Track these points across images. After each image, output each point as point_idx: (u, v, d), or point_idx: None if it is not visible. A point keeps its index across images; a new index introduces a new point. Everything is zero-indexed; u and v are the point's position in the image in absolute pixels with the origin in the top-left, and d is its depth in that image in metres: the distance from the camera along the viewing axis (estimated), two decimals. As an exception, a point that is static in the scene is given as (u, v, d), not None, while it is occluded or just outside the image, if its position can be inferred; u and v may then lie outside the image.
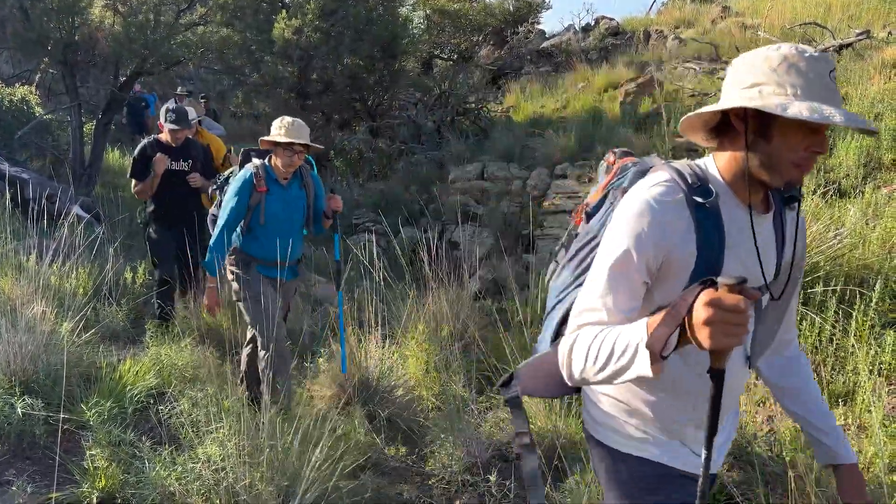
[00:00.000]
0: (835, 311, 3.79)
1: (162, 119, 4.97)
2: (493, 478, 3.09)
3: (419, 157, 9.71)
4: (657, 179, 1.44)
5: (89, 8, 9.78)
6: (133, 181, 5.04)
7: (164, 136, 5.00)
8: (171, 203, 4.98)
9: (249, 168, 3.68)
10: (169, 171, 4.93)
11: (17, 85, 11.59)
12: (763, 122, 1.35)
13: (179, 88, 11.73)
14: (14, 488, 2.86)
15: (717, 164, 1.48)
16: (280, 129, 3.59)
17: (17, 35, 9.52)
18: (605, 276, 1.38)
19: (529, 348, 4.26)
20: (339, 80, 10.61)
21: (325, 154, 10.43)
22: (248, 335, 3.92)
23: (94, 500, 2.85)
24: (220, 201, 3.90)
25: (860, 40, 8.81)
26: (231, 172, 3.99)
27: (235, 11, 10.70)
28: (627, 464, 1.57)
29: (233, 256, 3.72)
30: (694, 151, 6.65)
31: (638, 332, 1.20)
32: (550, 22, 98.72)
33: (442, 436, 3.65)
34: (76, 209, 6.61)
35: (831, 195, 5.35)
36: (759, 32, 10.00)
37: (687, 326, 1.11)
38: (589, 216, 1.72)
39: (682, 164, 1.48)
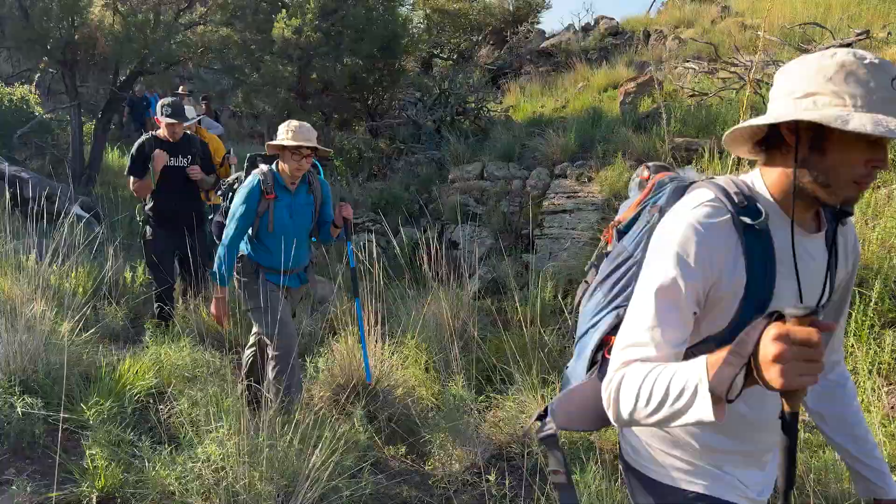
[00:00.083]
0: (834, 311, 3.79)
1: (158, 113, 4.91)
2: (492, 477, 3.10)
3: (419, 157, 9.71)
4: (700, 199, 1.32)
5: (89, 7, 9.78)
6: (131, 179, 4.96)
7: (162, 132, 4.93)
8: (171, 200, 4.91)
9: (256, 174, 3.59)
10: (168, 167, 4.86)
11: (16, 84, 11.59)
12: (818, 136, 1.24)
13: (181, 87, 11.73)
14: (13, 487, 2.85)
15: (764, 180, 1.36)
16: (287, 133, 3.52)
17: (17, 34, 9.52)
18: (652, 306, 1.27)
19: (529, 348, 4.26)
20: (338, 80, 10.60)
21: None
22: (252, 339, 3.88)
23: (94, 500, 2.85)
24: (226, 209, 3.81)
25: (860, 40, 8.80)
26: (237, 179, 3.90)
27: (235, 11, 10.70)
28: (675, 496, 1.46)
29: (240, 265, 3.66)
30: (694, 151, 6.66)
31: (696, 372, 1.08)
32: (550, 22, 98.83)
33: (442, 436, 3.65)
34: (76, 209, 6.60)
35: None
36: (758, 32, 9.99)
37: (754, 365, 1.01)
38: (620, 234, 1.62)
39: (726, 180, 1.37)
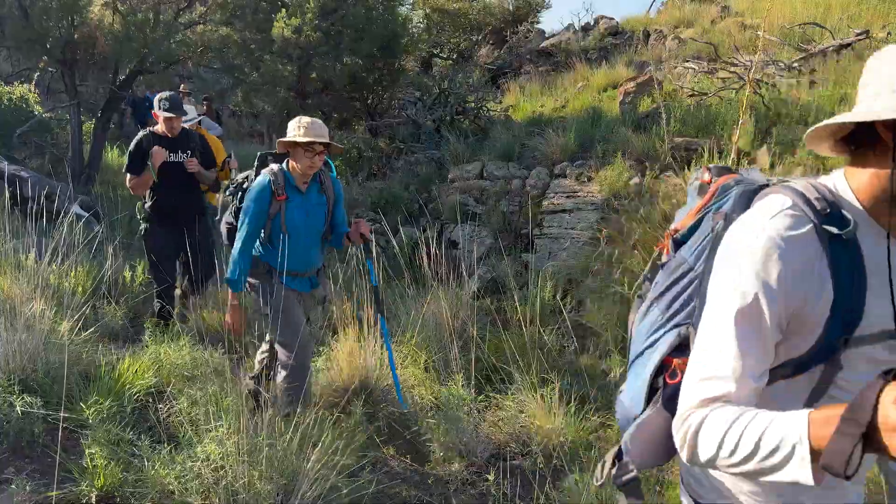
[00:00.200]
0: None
1: (156, 108, 4.80)
2: (491, 477, 3.10)
3: (418, 157, 9.71)
4: (778, 206, 1.18)
5: (88, 6, 9.78)
6: (128, 176, 4.83)
7: (160, 128, 4.82)
8: (171, 196, 4.81)
9: (267, 174, 3.45)
10: (168, 163, 4.75)
11: (16, 83, 11.58)
12: None
13: (181, 87, 11.73)
14: (13, 486, 2.85)
15: (850, 183, 1.20)
16: (298, 129, 3.37)
17: (17, 33, 9.51)
18: (730, 334, 1.13)
19: (529, 347, 4.27)
20: (338, 80, 10.60)
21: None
22: (264, 346, 3.77)
23: (93, 499, 2.85)
24: (237, 209, 3.68)
25: (860, 40, 8.81)
26: (247, 177, 3.75)
27: (235, 10, 10.69)
28: None
29: (253, 267, 3.52)
30: (693, 151, 6.66)
31: (795, 429, 0.96)
32: (550, 21, 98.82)
33: (441, 435, 3.66)
34: (75, 208, 6.60)
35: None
36: (758, 32, 10.00)
37: (871, 432, 0.88)
38: (678, 244, 1.47)
39: (805, 184, 1.21)
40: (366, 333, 4.12)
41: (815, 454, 0.93)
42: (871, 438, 0.88)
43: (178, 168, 4.83)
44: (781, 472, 0.98)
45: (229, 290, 3.51)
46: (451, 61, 15.43)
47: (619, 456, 1.47)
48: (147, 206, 4.92)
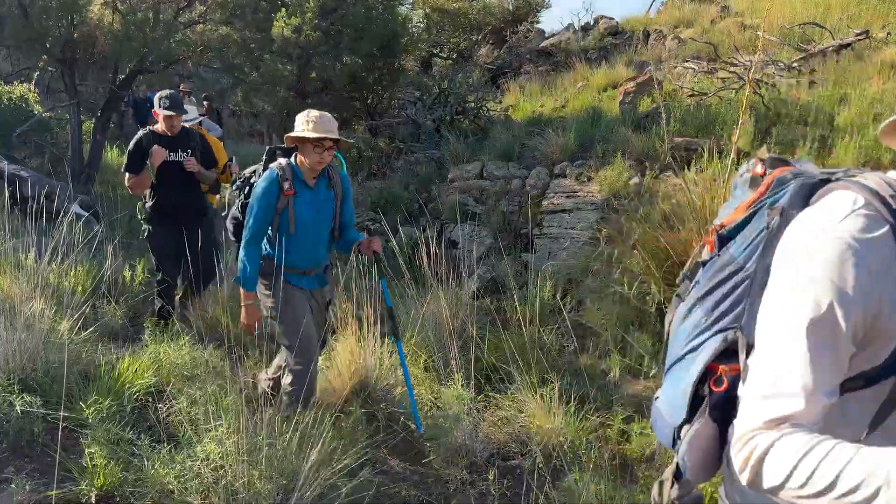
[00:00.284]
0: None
1: (156, 106, 4.74)
2: (491, 477, 3.10)
3: (418, 156, 9.71)
4: (849, 205, 1.08)
5: (88, 6, 9.78)
6: (127, 175, 4.77)
7: (160, 127, 4.77)
8: (172, 196, 4.78)
9: (274, 169, 3.36)
10: (167, 162, 4.70)
11: (15, 83, 11.58)
12: None
13: (181, 86, 11.73)
14: (13, 486, 2.85)
15: None
16: (307, 124, 3.28)
17: (17, 33, 9.51)
18: (800, 345, 1.03)
19: (528, 347, 4.27)
20: (338, 79, 10.61)
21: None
22: (279, 361, 3.67)
23: (93, 498, 2.85)
24: (243, 204, 3.59)
25: (859, 40, 8.81)
26: (254, 172, 3.67)
27: (235, 9, 10.69)
28: None
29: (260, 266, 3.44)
30: (693, 151, 6.66)
31: (882, 468, 0.88)
32: (550, 21, 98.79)
33: (441, 435, 3.66)
34: (75, 207, 6.60)
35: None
36: (758, 32, 10.00)
37: None
38: (723, 241, 1.35)
39: (877, 180, 1.11)
40: (365, 333, 4.12)
41: None
42: None
43: (178, 167, 4.77)
44: None
45: (242, 290, 3.43)
46: (450, 61, 15.43)
47: (677, 474, 1.39)
48: (147, 205, 4.89)
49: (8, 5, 9.44)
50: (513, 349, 3.99)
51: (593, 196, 6.94)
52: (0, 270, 4.74)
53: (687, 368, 1.32)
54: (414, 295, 4.82)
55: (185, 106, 5.12)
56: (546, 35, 15.50)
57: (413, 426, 3.82)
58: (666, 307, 4.33)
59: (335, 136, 3.30)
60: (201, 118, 6.30)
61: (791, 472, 0.98)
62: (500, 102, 11.69)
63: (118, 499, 2.89)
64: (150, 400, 3.70)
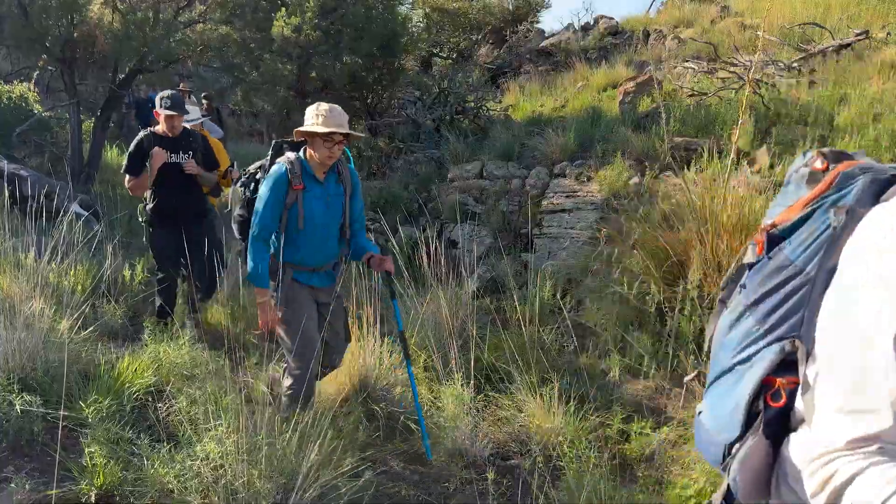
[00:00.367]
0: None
1: (157, 106, 4.71)
2: (490, 476, 3.10)
3: (418, 156, 9.71)
4: None
5: (88, 5, 9.78)
6: (127, 177, 4.74)
7: (161, 128, 4.74)
8: (172, 197, 4.75)
9: (283, 163, 3.28)
10: (168, 164, 4.66)
11: (15, 82, 11.58)
12: None
13: (180, 85, 11.72)
14: (12, 485, 2.86)
15: None
16: (317, 118, 3.20)
17: (16, 32, 9.51)
18: (888, 358, 0.93)
19: (528, 347, 4.27)
20: (338, 79, 10.60)
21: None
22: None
23: (93, 497, 2.85)
24: (248, 199, 3.53)
25: (859, 41, 8.81)
26: (260, 167, 3.60)
27: (234, 9, 10.69)
28: None
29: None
30: (693, 151, 6.66)
31: None
32: (550, 21, 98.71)
33: (440, 434, 3.66)
34: (75, 206, 6.60)
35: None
36: (758, 32, 10.01)
37: None
38: (775, 241, 1.24)
39: None
40: (365, 333, 4.12)
41: None
42: None
43: (179, 169, 4.74)
44: None
45: (255, 288, 3.33)
46: (450, 61, 15.43)
47: (728, 497, 1.29)
48: (148, 207, 4.85)
49: (8, 4, 9.44)
50: (512, 349, 3.99)
51: (593, 196, 6.94)
52: (0, 269, 4.75)
53: (738, 381, 1.21)
54: (414, 294, 4.82)
55: (186, 106, 5.07)
56: (546, 35, 15.50)
57: (413, 426, 3.82)
58: (665, 307, 4.34)
59: (345, 130, 3.22)
60: (203, 119, 6.25)
61: None
62: (500, 102, 11.69)
63: (118, 498, 2.89)
64: (150, 399, 3.70)
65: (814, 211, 1.20)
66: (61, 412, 2.93)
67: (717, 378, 1.28)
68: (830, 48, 8.86)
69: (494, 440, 3.71)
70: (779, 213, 1.29)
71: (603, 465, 3.16)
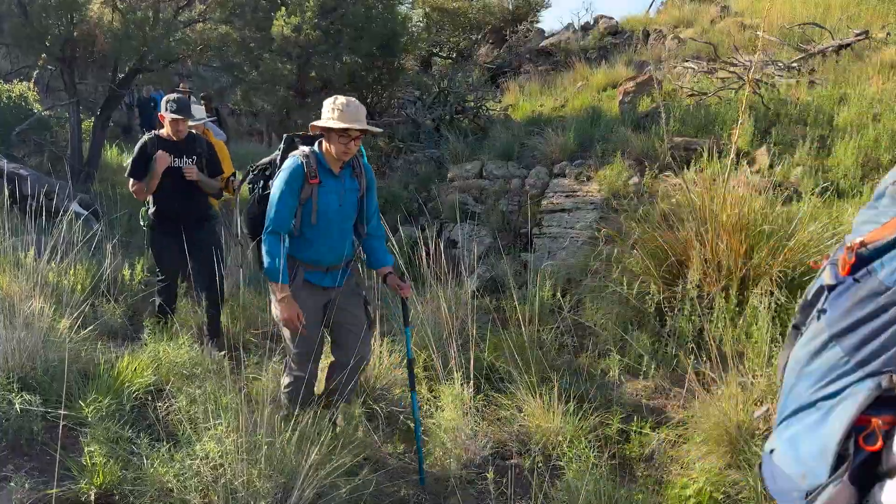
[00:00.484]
0: (832, 311, 3.80)
1: (163, 109, 4.60)
2: (490, 476, 3.10)
3: (418, 156, 9.71)
4: None
5: (88, 4, 9.78)
6: (131, 181, 4.66)
7: (166, 131, 4.65)
8: (174, 201, 4.65)
9: (297, 157, 3.18)
10: (171, 168, 4.57)
11: (15, 81, 11.58)
12: None
13: (180, 85, 11.73)
14: (12, 484, 2.85)
15: None
16: (333, 112, 3.10)
17: (16, 31, 9.52)
18: None
19: (528, 346, 4.27)
20: (337, 78, 10.60)
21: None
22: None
23: (92, 497, 2.85)
24: (259, 197, 3.42)
25: (859, 41, 8.82)
26: (270, 162, 3.48)
27: (234, 8, 10.70)
28: None
29: None
30: (693, 151, 6.66)
31: None
32: (549, 21, 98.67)
33: (440, 434, 3.66)
34: (74, 206, 6.60)
35: (829, 195, 5.36)
36: (758, 32, 10.01)
37: None
38: (864, 262, 1.10)
39: None
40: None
41: None
42: None
43: (182, 174, 4.64)
44: None
45: (273, 284, 3.19)
46: (450, 60, 15.44)
47: None
48: (150, 211, 4.77)
49: (8, 4, 9.46)
50: (512, 348, 3.99)
51: (593, 196, 6.95)
52: (0, 268, 4.74)
53: (824, 420, 1.08)
54: (413, 294, 4.82)
55: (192, 106, 4.97)
56: (546, 35, 15.51)
57: (412, 425, 3.82)
58: (665, 307, 4.34)
59: (363, 125, 3.13)
60: (205, 119, 6.17)
61: None
62: (500, 102, 11.70)
63: (117, 497, 2.89)
64: (150, 398, 3.70)
65: None
66: (61, 411, 2.93)
67: (795, 413, 1.14)
68: (830, 48, 8.87)
69: (494, 439, 3.71)
70: (869, 230, 1.13)
71: (602, 464, 3.16)
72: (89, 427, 3.20)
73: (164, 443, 3.03)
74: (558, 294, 5.09)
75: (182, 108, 4.57)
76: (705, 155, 5.95)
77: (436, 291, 4.63)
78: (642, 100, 8.65)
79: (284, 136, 3.49)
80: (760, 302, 3.86)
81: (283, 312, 3.16)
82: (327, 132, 3.17)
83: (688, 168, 5.94)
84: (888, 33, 9.02)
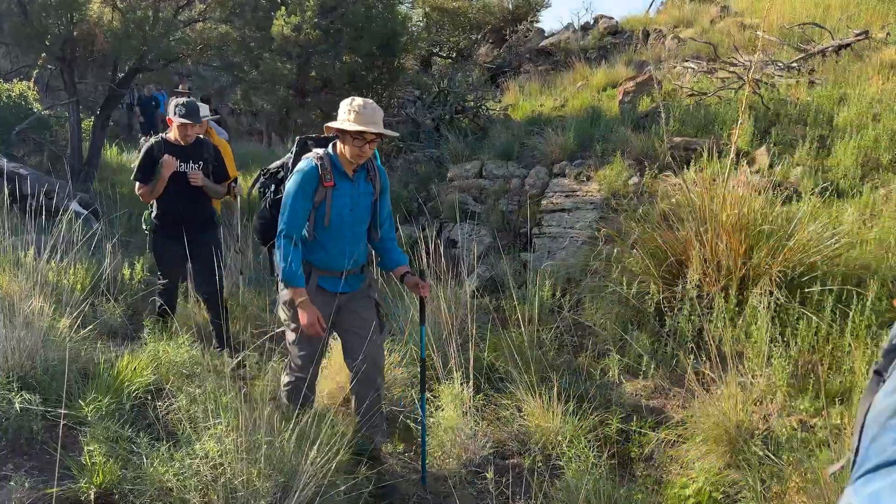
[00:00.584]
0: (832, 311, 3.81)
1: (170, 114, 4.56)
2: (490, 475, 3.10)
3: (417, 155, 9.71)
4: None
5: (88, 3, 9.78)
6: (137, 184, 4.61)
7: (173, 135, 4.60)
8: (179, 206, 4.62)
9: (311, 159, 3.13)
10: (177, 172, 4.53)
11: (15, 80, 11.58)
12: None
13: (180, 85, 11.72)
14: (12, 483, 2.86)
15: None
16: (349, 114, 3.05)
17: (16, 30, 9.52)
18: None
19: (527, 346, 4.27)
20: (337, 78, 10.60)
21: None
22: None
23: (92, 496, 2.86)
24: (270, 202, 3.38)
25: (859, 41, 8.82)
26: (282, 166, 3.44)
27: (234, 8, 10.69)
28: None
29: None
30: (693, 151, 6.66)
31: None
32: (549, 20, 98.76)
33: (440, 433, 3.66)
34: (74, 205, 6.60)
35: (829, 195, 5.37)
36: (757, 32, 10.01)
37: None
38: None
39: None
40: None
41: None
42: None
43: (187, 178, 4.60)
44: None
45: (291, 289, 3.15)
46: (450, 60, 15.43)
47: None
48: (153, 214, 4.74)
49: (7, 3, 9.45)
50: (512, 348, 4.00)
51: (592, 195, 6.95)
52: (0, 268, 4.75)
53: None
54: (413, 294, 4.83)
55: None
56: (546, 34, 15.51)
57: (412, 424, 3.82)
58: (665, 307, 4.34)
59: (379, 129, 3.06)
60: (210, 118, 6.14)
61: None
62: (500, 102, 11.69)
63: (117, 496, 2.90)
64: (150, 398, 3.70)
65: None
66: (61, 410, 2.93)
67: (878, 468, 1.01)
68: (830, 48, 8.87)
69: (494, 439, 3.72)
70: None
71: (602, 464, 3.17)
72: (89, 426, 3.20)
73: (164, 442, 3.03)
74: (558, 294, 5.09)
75: (191, 113, 4.52)
76: (705, 155, 5.95)
77: (435, 291, 4.64)
78: (642, 100, 8.65)
79: (297, 138, 3.44)
80: (760, 302, 3.87)
81: (302, 318, 3.12)
82: (342, 134, 3.12)
83: (687, 168, 5.94)
84: (888, 33, 9.02)
